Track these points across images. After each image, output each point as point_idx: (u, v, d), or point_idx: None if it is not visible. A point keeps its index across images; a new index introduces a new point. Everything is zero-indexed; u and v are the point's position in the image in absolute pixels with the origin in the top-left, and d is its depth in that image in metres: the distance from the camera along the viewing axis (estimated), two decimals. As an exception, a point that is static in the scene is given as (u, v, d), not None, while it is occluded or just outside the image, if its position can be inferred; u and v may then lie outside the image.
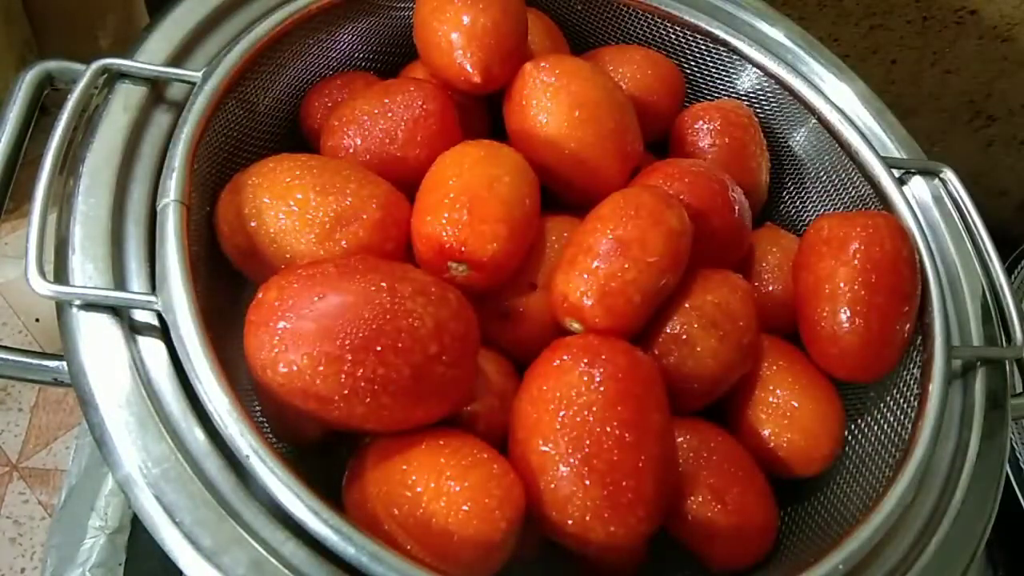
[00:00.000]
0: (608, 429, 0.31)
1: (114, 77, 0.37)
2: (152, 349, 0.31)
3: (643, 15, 0.51)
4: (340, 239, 0.35)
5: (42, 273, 0.30)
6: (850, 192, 0.47)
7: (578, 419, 0.31)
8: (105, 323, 0.31)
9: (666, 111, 0.49)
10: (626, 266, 0.35)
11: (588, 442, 0.31)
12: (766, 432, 0.39)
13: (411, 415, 0.32)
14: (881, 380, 0.41)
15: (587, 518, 0.31)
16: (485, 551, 0.29)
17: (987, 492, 0.37)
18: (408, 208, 0.38)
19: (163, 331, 0.31)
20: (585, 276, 0.35)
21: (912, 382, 0.40)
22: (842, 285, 0.38)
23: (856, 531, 0.33)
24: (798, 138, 0.50)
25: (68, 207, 0.33)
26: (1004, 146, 0.76)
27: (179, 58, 0.38)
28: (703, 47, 0.51)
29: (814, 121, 0.48)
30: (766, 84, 0.49)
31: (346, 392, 0.29)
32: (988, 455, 0.38)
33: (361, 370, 0.29)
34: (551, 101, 0.40)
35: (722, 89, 0.52)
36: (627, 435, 0.31)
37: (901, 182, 0.45)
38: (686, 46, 0.51)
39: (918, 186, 0.47)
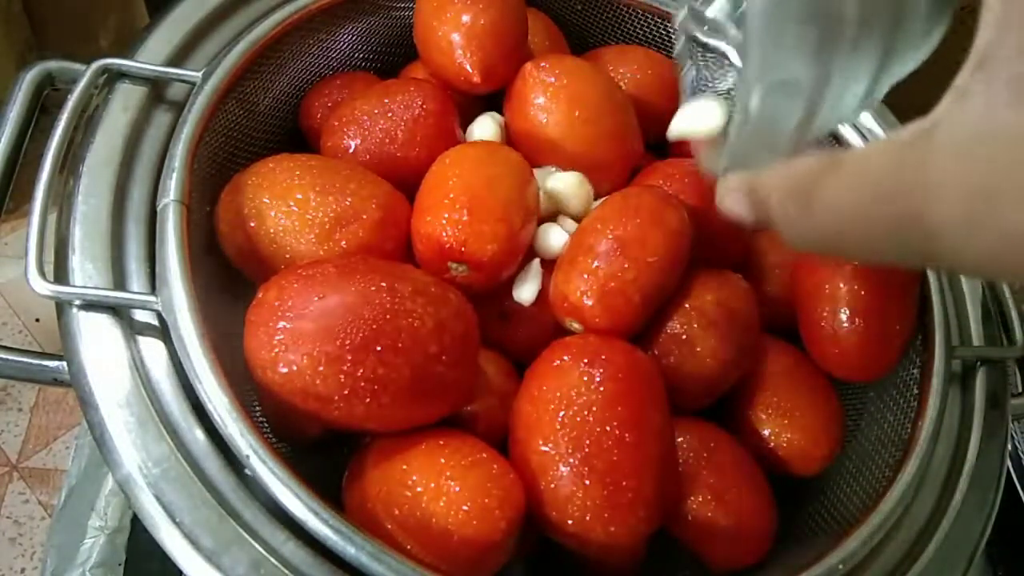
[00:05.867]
0: (608, 429, 0.31)
1: (114, 77, 0.37)
2: (152, 349, 0.31)
3: (643, 15, 0.51)
4: (340, 239, 0.35)
5: (42, 273, 0.30)
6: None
7: (578, 419, 0.31)
8: (105, 323, 0.31)
9: (666, 111, 0.48)
10: (626, 266, 0.35)
11: (588, 442, 0.31)
12: (766, 432, 0.39)
13: (411, 415, 0.32)
14: (881, 380, 0.41)
15: (587, 518, 0.31)
16: (485, 551, 0.29)
17: (987, 492, 0.37)
18: (408, 208, 0.38)
19: (163, 331, 0.31)
20: (585, 276, 0.35)
21: (912, 382, 0.40)
22: (842, 285, 0.38)
23: (856, 531, 0.33)
24: (798, 138, 0.50)
25: (68, 207, 0.33)
26: (1004, 146, 0.76)
27: (179, 58, 0.38)
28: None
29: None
30: (766, 84, 0.49)
31: (346, 392, 0.29)
32: (988, 455, 0.38)
33: (361, 370, 0.29)
34: (551, 101, 0.40)
35: (722, 89, 0.52)
36: (627, 435, 0.31)
37: (901, 182, 0.45)
38: (686, 46, 0.51)
39: (918, 186, 0.46)
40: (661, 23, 0.50)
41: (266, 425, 0.36)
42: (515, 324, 0.39)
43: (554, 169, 0.41)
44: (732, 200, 0.24)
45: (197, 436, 0.29)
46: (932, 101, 0.18)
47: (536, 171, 0.39)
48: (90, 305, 0.31)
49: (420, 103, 0.40)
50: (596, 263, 0.35)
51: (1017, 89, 0.15)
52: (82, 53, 0.37)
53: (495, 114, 0.44)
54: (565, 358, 0.33)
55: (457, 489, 0.30)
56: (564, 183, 0.39)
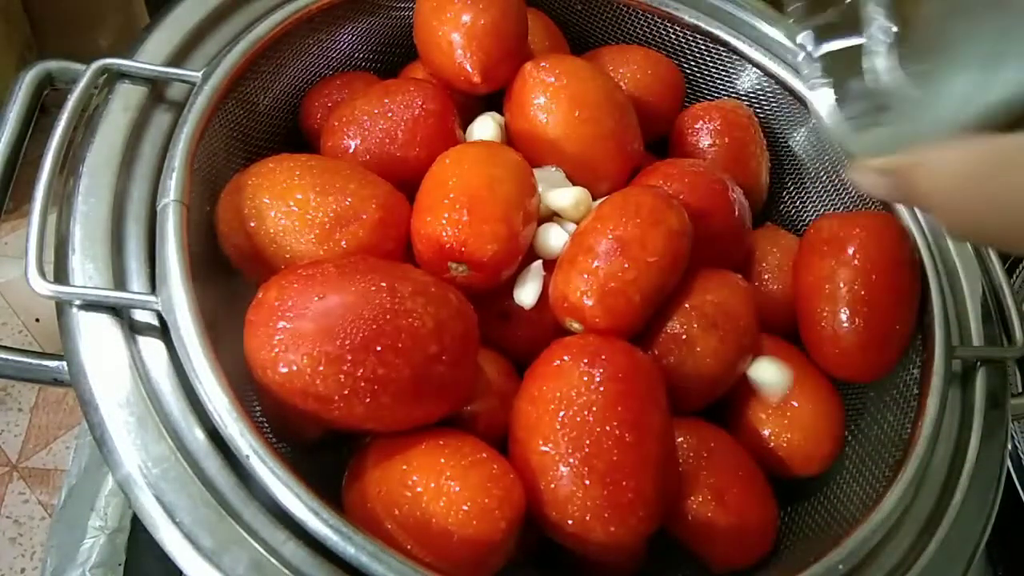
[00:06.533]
0: (608, 429, 0.31)
1: (114, 77, 0.37)
2: (152, 349, 0.31)
3: (643, 15, 0.51)
4: (340, 239, 0.35)
5: (42, 273, 0.30)
6: (850, 192, 0.47)
7: (578, 419, 0.31)
8: (105, 323, 0.31)
9: (666, 111, 0.49)
10: (626, 266, 0.35)
11: (588, 442, 0.31)
12: (766, 432, 0.39)
13: (411, 415, 0.32)
14: (881, 380, 0.41)
15: (587, 518, 0.31)
16: (485, 551, 0.29)
17: (987, 492, 0.37)
18: (408, 208, 0.38)
19: (163, 331, 0.31)
20: (585, 276, 0.35)
21: (912, 382, 0.40)
22: (842, 285, 0.38)
23: (856, 531, 0.33)
24: (798, 138, 0.50)
25: (68, 207, 0.33)
26: (1004, 146, 0.76)
27: (179, 58, 0.38)
28: (703, 47, 0.51)
29: (814, 121, 0.48)
30: (766, 84, 0.49)
31: (346, 392, 0.29)
32: (988, 455, 0.38)
33: (361, 370, 0.29)
34: (551, 101, 0.40)
35: (722, 89, 0.52)
36: (627, 435, 0.31)
37: (901, 182, 0.45)
38: (686, 46, 0.51)
39: (918, 186, 0.46)
40: (661, 23, 0.50)
41: (266, 425, 0.36)
42: (515, 324, 0.39)
43: (554, 169, 0.41)
44: (871, 180, 0.26)
45: (197, 436, 0.29)
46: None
47: (536, 171, 0.39)
48: (90, 305, 0.31)
49: (420, 103, 0.40)
50: (596, 263, 0.35)
51: None
52: (82, 53, 0.37)
53: (495, 114, 0.44)
54: (565, 358, 0.33)
55: (457, 489, 0.30)
56: (566, 200, 0.39)
